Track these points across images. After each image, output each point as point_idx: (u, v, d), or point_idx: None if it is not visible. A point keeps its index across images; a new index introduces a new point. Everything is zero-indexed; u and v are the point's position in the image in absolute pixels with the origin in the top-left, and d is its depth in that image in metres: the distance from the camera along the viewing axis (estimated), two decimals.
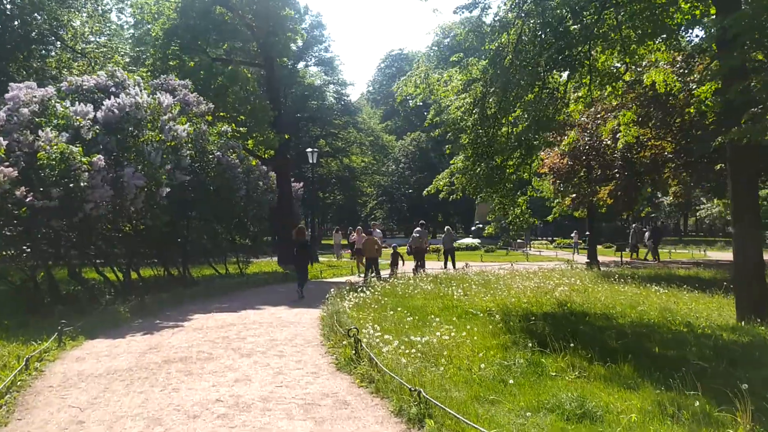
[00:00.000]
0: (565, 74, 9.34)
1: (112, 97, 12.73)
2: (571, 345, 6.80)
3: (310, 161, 27.09)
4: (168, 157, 13.00)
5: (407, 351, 6.64)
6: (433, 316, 9.39)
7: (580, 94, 9.21)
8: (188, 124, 13.99)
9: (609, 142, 15.72)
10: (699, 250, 32.93)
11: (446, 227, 24.62)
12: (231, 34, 24.47)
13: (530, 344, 7.19)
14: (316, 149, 28.57)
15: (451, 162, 12.73)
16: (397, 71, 70.00)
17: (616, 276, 15.70)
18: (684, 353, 6.88)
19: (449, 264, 21.40)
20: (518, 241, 37.44)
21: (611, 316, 9.40)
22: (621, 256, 23.69)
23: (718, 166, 14.88)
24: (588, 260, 18.65)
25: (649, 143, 15.48)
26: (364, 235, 20.12)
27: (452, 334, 7.71)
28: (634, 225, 28.16)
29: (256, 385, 6.12)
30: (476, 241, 35.98)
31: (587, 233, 19.16)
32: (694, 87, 10.15)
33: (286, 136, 24.65)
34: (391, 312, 10.05)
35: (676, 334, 8.09)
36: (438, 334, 7.47)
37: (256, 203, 18.52)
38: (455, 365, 6.42)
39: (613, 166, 17.03)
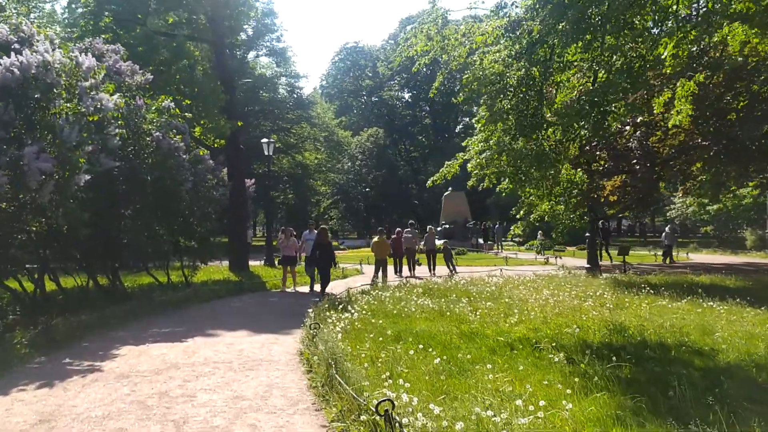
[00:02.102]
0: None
1: (14, 54, 9.53)
2: (717, 410, 4.32)
3: (266, 153, 24.03)
4: (89, 136, 9.88)
5: None
6: (462, 354, 6.77)
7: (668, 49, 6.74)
8: (118, 95, 10.87)
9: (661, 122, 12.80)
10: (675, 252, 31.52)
11: (428, 227, 22.27)
12: (174, 3, 21.13)
13: (653, 411, 4.65)
14: (272, 140, 25.45)
15: (464, 144, 10.13)
16: (352, 65, 67.32)
17: (632, 285, 13.51)
18: None
19: (433, 267, 19.67)
20: (488, 242, 35.37)
21: (703, 351, 6.98)
22: (611, 259, 21.74)
23: None
24: (588, 265, 16.53)
25: (677, 128, 13.18)
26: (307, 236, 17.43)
27: (512, 386, 5.13)
28: (668, 227, 26.26)
29: None
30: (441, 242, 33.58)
31: (587, 235, 17.01)
32: None
33: (239, 123, 21.52)
34: (399, 344, 7.38)
35: None
36: (491, 384, 4.85)
37: (204, 199, 15.44)
38: None
39: (628, 157, 14.77)
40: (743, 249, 31.51)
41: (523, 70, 6.99)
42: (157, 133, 11.70)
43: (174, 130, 12.37)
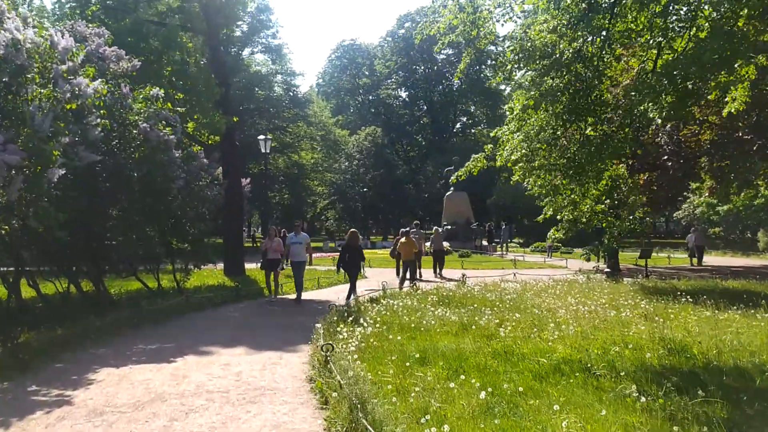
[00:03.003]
0: None
1: None
2: None
3: (263, 150, 22.90)
4: (66, 126, 8.72)
5: None
6: (505, 381, 5.65)
7: None
8: (100, 81, 9.70)
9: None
10: (664, 253, 30.55)
11: (435, 227, 21.25)
12: None
13: None
14: (269, 137, 24.27)
15: (493, 134, 8.99)
16: (349, 63, 66.16)
17: (663, 292, 12.43)
18: None
19: (439, 270, 18.98)
20: (492, 243, 34.28)
21: None
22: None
23: None
24: (608, 269, 15.44)
25: (711, 118, 11.98)
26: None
27: None
28: (695, 226, 25.18)
29: None
30: (446, 244, 32.44)
31: (604, 238, 15.90)
32: None
33: (235, 119, 20.34)
34: (426, 368, 6.27)
35: None
36: None
37: (198, 198, 14.28)
38: None
39: (657, 153, 13.62)
40: (755, 251, 30.55)
41: (580, 40, 5.87)
42: (145, 125, 10.49)
43: (163, 122, 11.17)
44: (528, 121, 7.60)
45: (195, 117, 18.75)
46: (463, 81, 65.60)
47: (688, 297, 11.16)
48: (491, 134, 9.23)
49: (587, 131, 6.83)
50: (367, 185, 52.28)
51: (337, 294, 14.99)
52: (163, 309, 11.47)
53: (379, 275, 20.37)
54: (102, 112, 9.81)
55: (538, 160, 8.04)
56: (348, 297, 12.41)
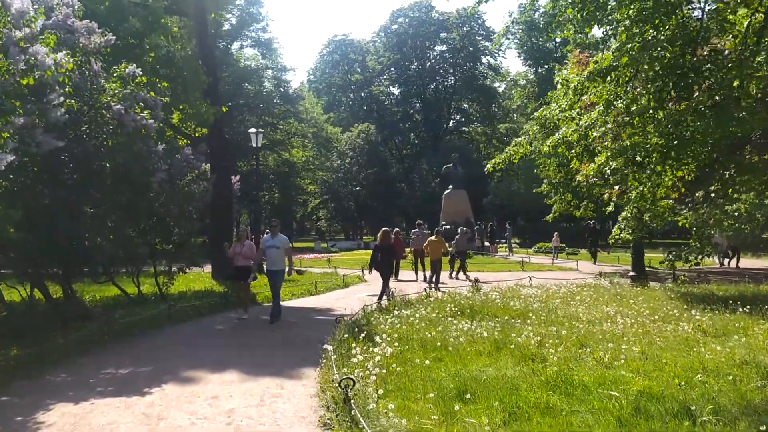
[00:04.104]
0: None
1: None
2: None
3: (254, 144, 21.38)
4: (19, 104, 7.23)
5: None
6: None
7: None
8: (65, 52, 8.20)
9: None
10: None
11: (460, 227, 20.21)
12: None
13: None
14: (260, 130, 22.75)
15: (533, 116, 7.59)
16: (340, 58, 64.57)
17: (704, 299, 11.14)
18: None
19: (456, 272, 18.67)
20: (494, 243, 32.97)
21: None
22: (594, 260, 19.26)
23: None
24: (633, 272, 14.14)
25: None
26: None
27: None
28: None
29: None
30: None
31: (635, 240, 14.51)
32: None
33: (224, 109, 18.84)
34: (468, 405, 4.89)
35: None
36: None
37: (182, 195, 12.80)
38: None
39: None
40: (765, 252, 29.47)
41: None
42: (118, 106, 8.97)
43: (141, 104, 9.64)
44: (587, 95, 6.20)
45: (181, 107, 17.27)
46: (457, 78, 64.33)
47: (739, 306, 9.84)
48: (536, 114, 7.84)
49: (698, 99, 5.45)
50: (360, 184, 50.77)
51: (337, 300, 13.60)
52: (142, 321, 9.98)
53: (378, 278, 18.91)
54: (67, 90, 8.32)
55: (628, 138, 6.57)
56: (380, 298, 11.85)
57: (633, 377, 5.76)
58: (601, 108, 6.06)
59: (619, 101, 5.91)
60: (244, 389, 6.12)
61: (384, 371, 5.99)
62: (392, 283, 17.44)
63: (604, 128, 6.44)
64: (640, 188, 7.01)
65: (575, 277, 17.05)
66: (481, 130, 66.27)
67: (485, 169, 9.66)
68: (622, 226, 9.47)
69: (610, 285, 13.64)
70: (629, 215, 8.86)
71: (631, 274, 14.64)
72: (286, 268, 10.67)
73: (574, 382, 5.65)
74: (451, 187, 34.17)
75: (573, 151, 7.24)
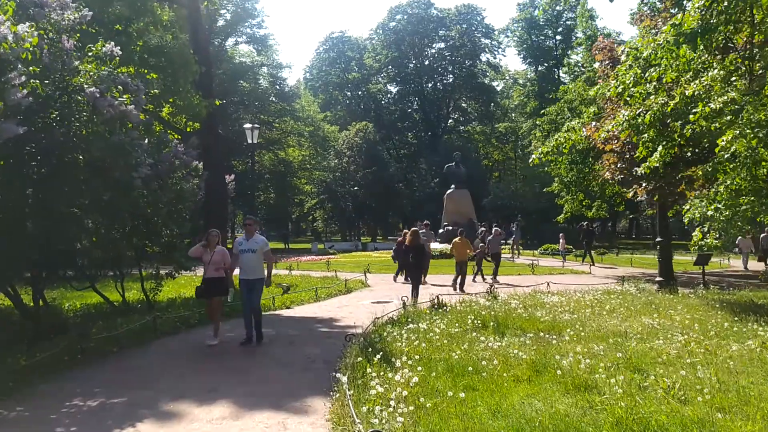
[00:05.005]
0: None
1: None
2: None
3: (249, 140, 20.22)
4: None
5: None
6: None
7: None
8: (29, 24, 7.01)
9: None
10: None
11: (494, 227, 19.74)
12: None
13: None
14: (256, 125, 21.55)
15: (594, 93, 6.45)
16: (337, 56, 63.48)
17: (746, 308, 10.05)
18: None
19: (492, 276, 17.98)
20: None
21: None
22: (593, 261, 18.18)
23: None
24: (661, 278, 13.03)
25: None
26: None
27: None
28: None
29: None
30: (446, 246, 29.90)
31: (659, 240, 13.41)
32: None
33: (217, 103, 17.67)
34: None
35: None
36: None
37: (172, 193, 11.60)
38: None
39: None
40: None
41: None
42: (92, 89, 7.76)
43: (120, 87, 8.43)
44: (656, 69, 5.07)
45: (171, 99, 16.07)
46: (456, 76, 63.27)
47: None
48: (591, 93, 6.72)
49: None
50: (358, 183, 49.57)
51: (340, 308, 12.44)
52: (122, 334, 8.78)
53: (382, 282, 17.84)
54: (32, 69, 7.13)
55: (747, 113, 5.40)
56: (415, 297, 11.76)
57: (724, 418, 4.63)
58: (714, 73, 4.93)
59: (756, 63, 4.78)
60: (238, 430, 4.96)
61: (410, 407, 4.84)
62: (397, 286, 16.41)
63: (725, 97, 5.27)
64: (730, 183, 5.85)
65: (593, 282, 15.95)
66: (480, 129, 65.24)
67: (530, 160, 8.51)
68: (706, 230, 8.15)
69: (637, 291, 12.53)
70: (718, 215, 7.49)
71: (658, 279, 13.52)
72: (264, 277, 8.73)
73: (652, 426, 4.52)
74: (453, 186, 33.10)
75: (645, 135, 6.11)
